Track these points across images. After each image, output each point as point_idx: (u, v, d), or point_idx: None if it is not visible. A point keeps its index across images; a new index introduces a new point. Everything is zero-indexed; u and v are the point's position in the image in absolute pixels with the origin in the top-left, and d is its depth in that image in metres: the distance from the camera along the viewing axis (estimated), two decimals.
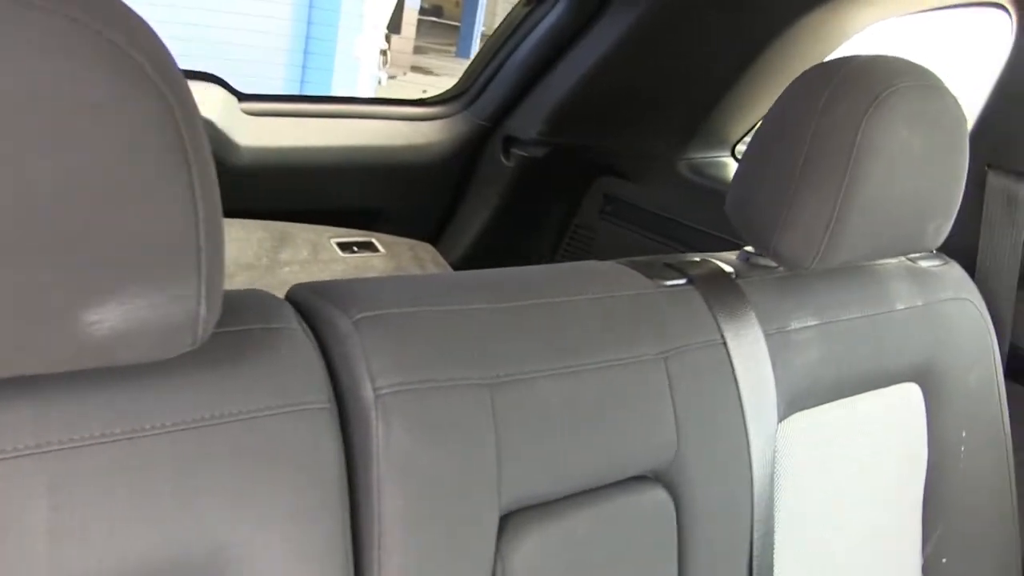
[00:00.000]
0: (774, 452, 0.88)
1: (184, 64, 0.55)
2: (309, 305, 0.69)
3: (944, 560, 1.08)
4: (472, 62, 1.91)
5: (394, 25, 9.58)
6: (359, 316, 0.67)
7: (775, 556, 0.90)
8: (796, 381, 0.91)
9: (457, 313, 0.71)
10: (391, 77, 8.70)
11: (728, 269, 0.92)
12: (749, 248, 0.97)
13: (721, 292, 0.87)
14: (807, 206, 0.86)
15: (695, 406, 0.81)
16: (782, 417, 0.90)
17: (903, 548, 1.06)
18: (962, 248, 1.25)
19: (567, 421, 0.72)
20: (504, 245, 1.92)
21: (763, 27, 1.62)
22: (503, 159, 1.84)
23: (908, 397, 1.05)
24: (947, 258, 1.16)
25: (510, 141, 1.82)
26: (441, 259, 1.87)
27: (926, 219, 0.95)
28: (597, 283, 0.82)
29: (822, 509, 0.96)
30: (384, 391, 0.64)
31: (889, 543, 1.05)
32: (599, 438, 0.74)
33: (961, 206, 1.27)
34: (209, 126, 1.55)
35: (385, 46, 7.59)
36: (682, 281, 0.87)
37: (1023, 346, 1.30)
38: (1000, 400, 1.14)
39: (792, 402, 0.91)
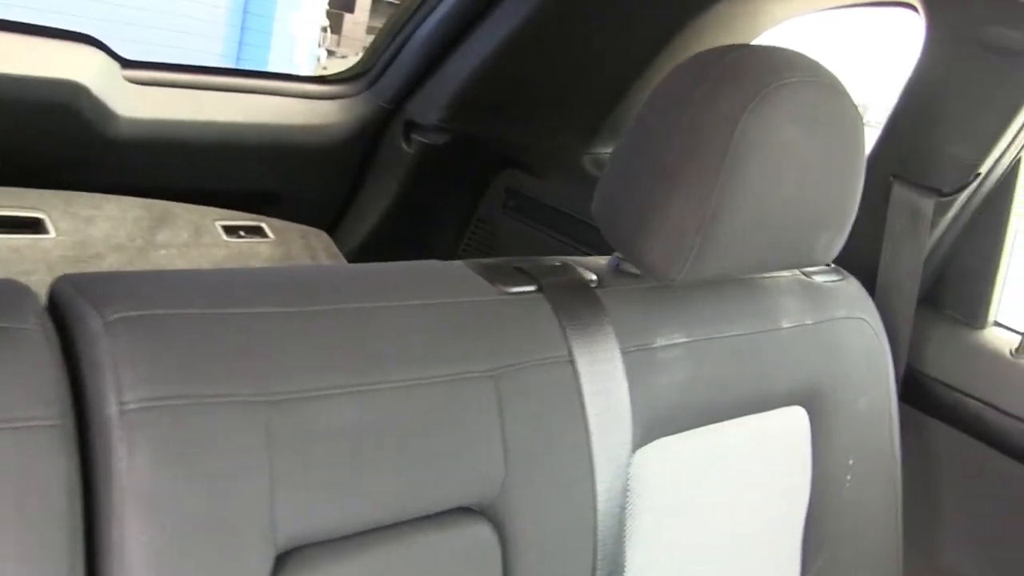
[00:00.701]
0: (626, 483, 0.79)
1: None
2: (66, 300, 0.58)
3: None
4: (376, 38, 1.79)
5: (347, 4, 9.38)
6: (115, 316, 0.56)
7: None
8: (658, 404, 0.82)
9: (234, 317, 0.60)
10: (331, 55, 8.50)
11: (591, 277, 0.83)
12: (620, 254, 0.89)
13: (575, 303, 0.78)
14: (675, 210, 0.77)
15: (529, 430, 0.72)
16: (639, 444, 0.81)
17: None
18: (863, 263, 1.19)
19: (368, 445, 0.62)
20: (403, 236, 1.82)
21: (670, 17, 1.53)
22: (404, 145, 1.73)
23: (792, 422, 0.97)
24: (845, 273, 1.09)
25: (411, 126, 1.72)
26: (335, 248, 1.76)
27: (816, 230, 0.87)
28: (426, 287, 0.73)
29: (687, 544, 0.88)
30: (131, 406, 0.54)
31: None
32: (408, 465, 0.64)
33: (864, 218, 1.20)
34: (84, 93, 1.43)
35: (326, 23, 7.41)
36: (530, 288, 0.78)
37: (921, 368, 1.24)
38: (891, 427, 1.07)
39: (652, 427, 0.82)
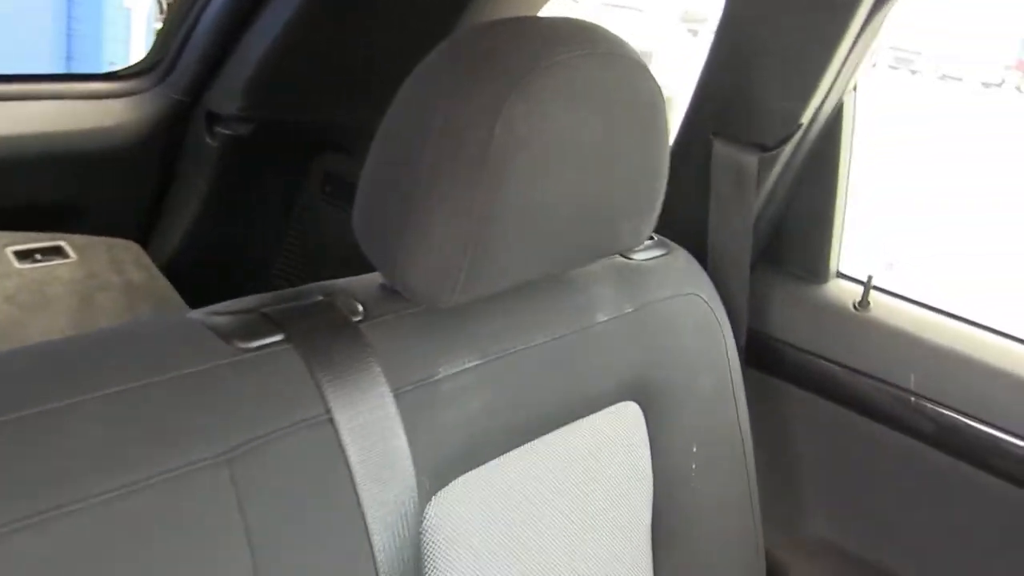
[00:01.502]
0: (418, 542, 0.69)
1: None
2: None
3: None
4: (163, 24, 1.62)
5: None
6: None
7: None
8: (449, 442, 0.72)
9: None
10: None
11: (355, 308, 0.71)
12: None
13: (332, 347, 0.66)
14: (435, 227, 0.66)
15: (280, 518, 0.60)
16: (432, 492, 0.71)
17: None
18: (692, 230, 1.10)
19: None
20: (221, 237, 1.67)
21: None
22: (208, 139, 1.57)
23: (625, 419, 0.88)
24: (671, 245, 1.00)
25: (212, 118, 1.56)
26: (146, 259, 1.60)
27: (615, 220, 0.77)
28: (137, 362, 0.59)
29: (524, 565, 0.79)
30: None
31: None
32: None
33: (687, 182, 1.12)
34: None
35: None
36: (275, 339, 0.65)
37: (765, 331, 1.17)
38: (737, 402, 1.00)
39: (446, 469, 0.72)
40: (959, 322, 1.16)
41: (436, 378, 0.71)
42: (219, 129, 1.56)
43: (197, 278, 1.63)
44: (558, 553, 0.82)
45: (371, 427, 0.66)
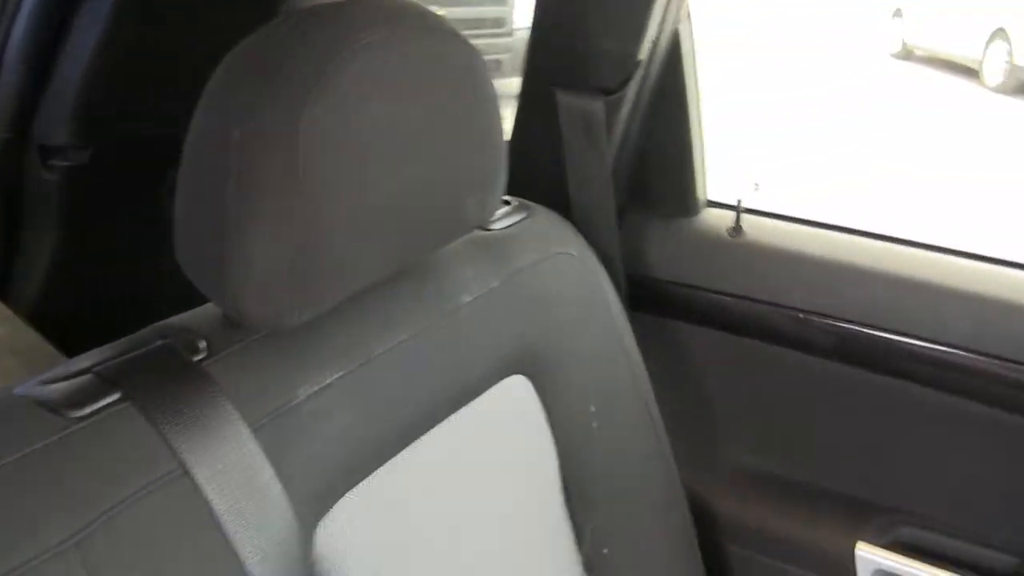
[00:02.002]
0: (312, 573, 0.65)
1: None
2: None
3: (605, 551, 0.92)
4: None
5: None
6: None
7: None
8: (324, 464, 0.68)
9: None
10: None
11: (198, 346, 0.67)
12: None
13: (175, 395, 0.61)
14: (255, 245, 0.61)
15: None
16: (316, 518, 0.67)
17: (556, 557, 0.89)
18: (553, 187, 1.08)
19: None
20: (86, 274, 1.58)
21: None
22: (45, 174, 1.48)
23: (514, 394, 0.86)
24: (531, 207, 0.97)
25: (45, 151, 1.47)
26: (6, 311, 1.51)
27: (458, 196, 0.74)
28: None
29: (437, 566, 0.76)
30: None
31: (541, 562, 0.87)
32: None
33: (538, 140, 1.09)
34: None
35: None
36: (111, 399, 0.60)
37: (646, 274, 1.16)
38: (628, 352, 0.98)
39: (326, 492, 0.68)
40: (834, 231, 1.16)
41: (296, 402, 0.67)
42: (55, 162, 1.47)
43: (70, 323, 1.55)
44: (472, 543, 0.79)
45: (233, 471, 0.61)
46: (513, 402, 0.86)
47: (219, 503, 0.60)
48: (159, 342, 0.66)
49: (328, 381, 0.70)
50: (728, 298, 1.14)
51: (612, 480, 0.94)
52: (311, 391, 0.68)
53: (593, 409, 0.92)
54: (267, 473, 0.63)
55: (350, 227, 0.64)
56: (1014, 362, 1.02)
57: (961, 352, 1.04)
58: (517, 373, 0.86)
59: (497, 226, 0.91)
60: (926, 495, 1.12)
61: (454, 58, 0.70)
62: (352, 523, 0.70)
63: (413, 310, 0.78)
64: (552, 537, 0.89)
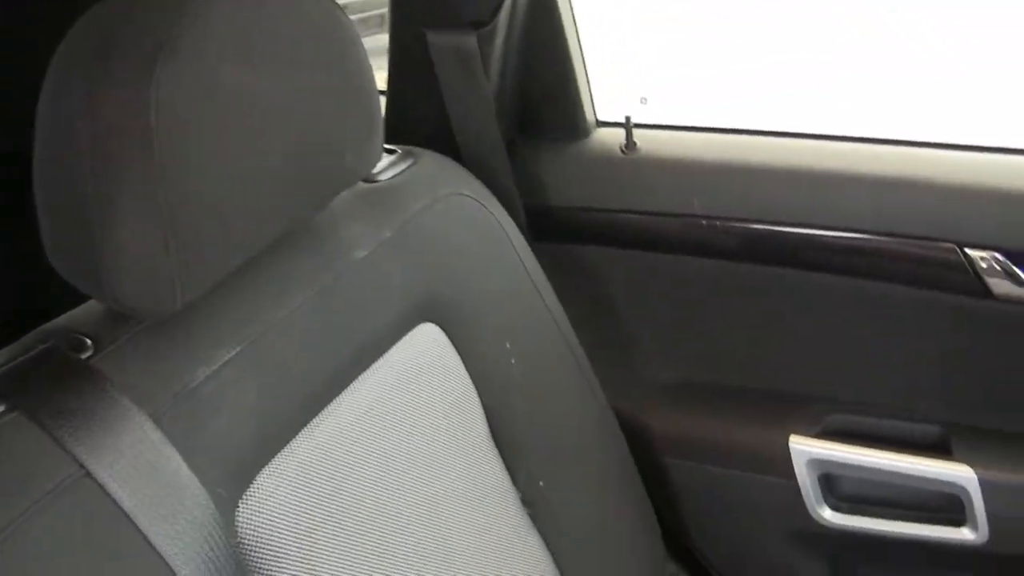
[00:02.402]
0: (236, 553, 0.63)
1: None
2: None
3: (541, 483, 0.92)
4: None
5: None
6: None
7: None
8: (231, 443, 0.65)
9: None
10: None
11: (84, 343, 0.64)
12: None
13: (66, 397, 0.59)
14: (122, 229, 0.58)
15: None
16: (235, 495, 0.65)
17: (494, 499, 0.88)
18: (437, 129, 1.05)
19: None
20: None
21: None
22: None
23: (425, 342, 0.84)
24: (417, 152, 0.94)
25: None
26: None
27: (335, 152, 0.72)
28: None
29: (375, 532, 0.75)
30: None
31: (477, 505, 0.86)
32: None
33: (417, 84, 1.06)
34: None
35: None
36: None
37: (546, 203, 1.15)
38: (536, 284, 0.97)
39: (242, 469, 0.66)
40: (727, 134, 1.16)
41: (195, 384, 0.65)
42: None
43: None
44: (404, 496, 0.78)
45: (136, 464, 0.59)
46: (426, 351, 0.84)
47: (127, 499, 0.58)
48: (42, 346, 0.63)
49: (226, 358, 0.67)
50: (630, 215, 1.14)
51: (539, 413, 0.94)
52: (209, 371, 0.66)
53: (509, 346, 0.91)
54: (174, 460, 0.61)
55: (221, 197, 0.61)
56: (916, 237, 1.03)
57: (865, 236, 1.05)
58: (425, 321, 0.85)
59: (383, 177, 0.89)
60: (850, 380, 1.14)
61: (312, 9, 0.68)
62: (275, 496, 0.68)
63: (305, 273, 0.76)
64: (486, 479, 0.88)
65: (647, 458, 1.12)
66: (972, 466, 1.04)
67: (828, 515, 1.11)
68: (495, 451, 0.89)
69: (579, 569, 0.94)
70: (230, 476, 0.65)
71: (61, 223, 0.60)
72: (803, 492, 1.10)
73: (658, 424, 1.17)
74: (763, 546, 1.18)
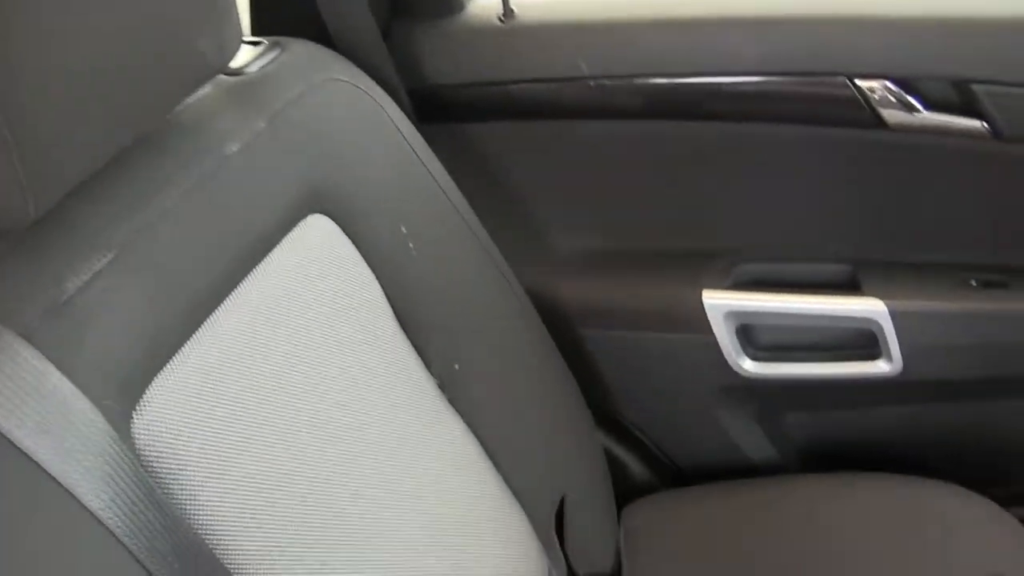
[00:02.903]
0: (138, 468, 0.59)
1: None
2: None
3: (456, 366, 0.90)
4: None
5: None
6: None
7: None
8: (117, 354, 0.61)
9: None
10: None
11: None
12: None
13: None
14: None
15: None
16: (130, 408, 0.61)
17: (409, 385, 0.86)
18: (303, 15, 1.00)
19: None
20: None
21: None
22: None
23: (317, 234, 0.80)
24: (285, 41, 0.89)
25: None
26: None
27: (191, 43, 0.67)
28: None
29: (279, 423, 0.72)
30: None
31: (391, 393, 0.83)
32: None
33: None
34: None
35: None
36: None
37: (420, 83, 1.10)
38: (426, 164, 0.93)
39: (132, 380, 0.62)
40: None
41: (66, 297, 0.60)
42: None
43: None
44: (312, 392, 0.75)
45: (12, 389, 0.55)
46: (318, 243, 0.81)
47: (4, 421, 0.54)
48: None
49: (97, 267, 0.63)
50: (516, 86, 1.10)
51: (444, 296, 0.91)
52: (80, 283, 0.61)
53: (405, 231, 0.88)
54: (53, 376, 0.57)
55: (64, 96, 0.56)
56: (806, 74, 1.02)
57: (754, 78, 1.03)
58: (313, 213, 0.81)
59: (250, 69, 0.84)
60: (756, 229, 1.14)
61: None
62: (171, 404, 0.64)
63: (175, 173, 0.71)
64: (398, 366, 0.85)
65: (564, 331, 1.11)
66: (882, 299, 1.05)
67: (749, 366, 1.12)
68: (404, 337, 0.87)
69: (505, 447, 0.93)
70: (119, 389, 0.61)
71: None
72: (722, 346, 1.11)
73: (570, 296, 1.15)
74: (689, 404, 1.19)
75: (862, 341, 1.09)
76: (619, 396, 1.21)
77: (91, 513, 0.54)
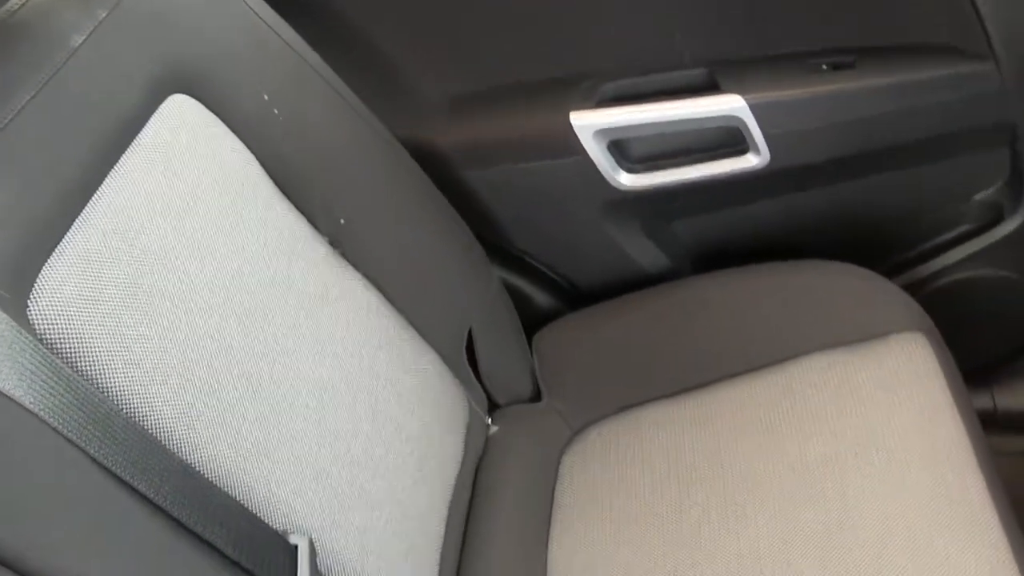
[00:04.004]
0: (38, 348, 0.61)
1: None
2: None
3: (342, 221, 0.93)
4: None
5: None
6: None
7: None
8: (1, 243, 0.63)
9: None
10: None
11: None
12: None
13: None
14: None
15: None
16: (23, 296, 0.63)
17: (301, 248, 0.88)
18: None
19: None
20: None
21: None
22: None
23: (180, 114, 0.81)
24: None
25: None
26: None
27: None
28: None
29: (175, 293, 0.74)
30: None
31: (284, 258, 0.86)
32: None
33: None
34: None
35: None
36: None
37: None
38: (276, 29, 0.93)
39: (20, 273, 0.64)
40: None
41: None
42: None
43: None
44: (207, 265, 0.77)
45: None
46: (184, 122, 0.81)
47: None
48: None
49: None
50: None
51: (318, 156, 0.93)
52: None
53: (267, 98, 0.88)
54: None
55: None
56: None
57: None
58: (174, 93, 0.81)
59: None
60: (615, 47, 1.15)
61: None
62: (64, 289, 0.65)
63: (23, 70, 0.71)
64: (286, 232, 0.87)
65: (444, 176, 1.13)
66: (741, 94, 1.09)
67: (625, 179, 1.16)
68: (287, 203, 0.89)
69: (403, 292, 0.97)
70: (8, 280, 0.63)
71: None
72: (597, 165, 1.14)
73: (444, 140, 1.17)
74: (577, 227, 1.23)
75: (729, 139, 1.14)
76: (510, 229, 1.24)
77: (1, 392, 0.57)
